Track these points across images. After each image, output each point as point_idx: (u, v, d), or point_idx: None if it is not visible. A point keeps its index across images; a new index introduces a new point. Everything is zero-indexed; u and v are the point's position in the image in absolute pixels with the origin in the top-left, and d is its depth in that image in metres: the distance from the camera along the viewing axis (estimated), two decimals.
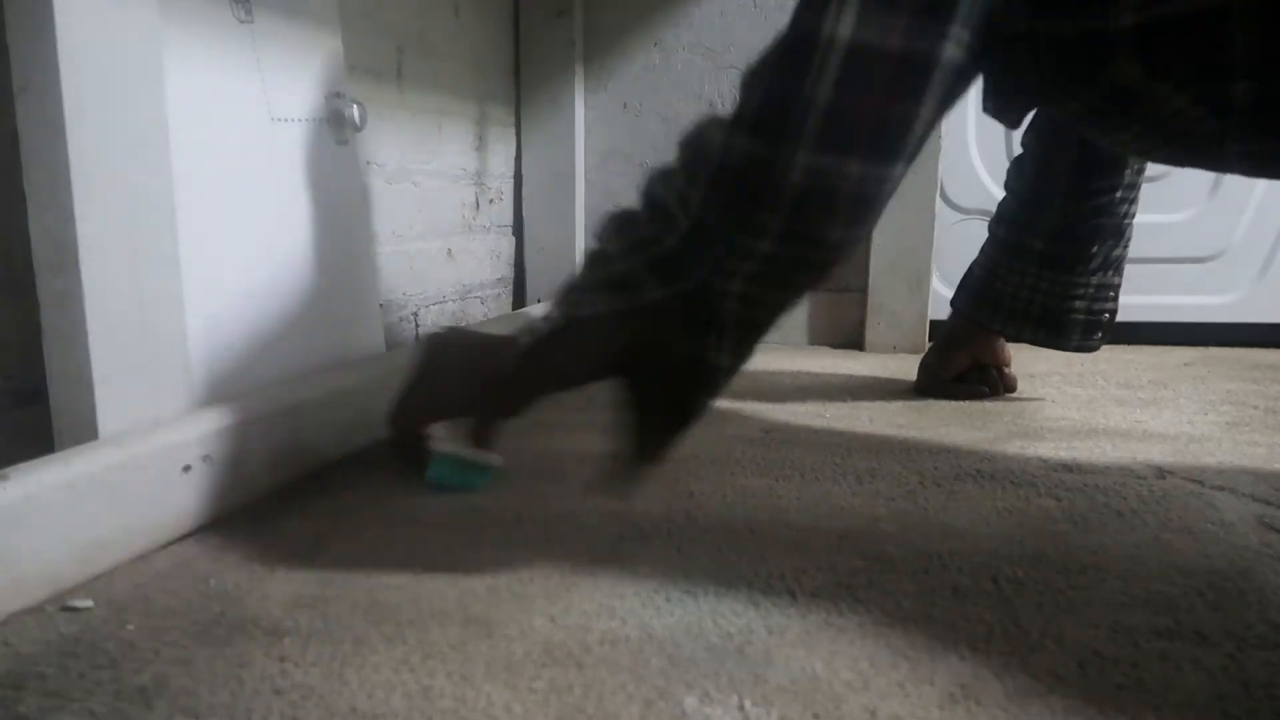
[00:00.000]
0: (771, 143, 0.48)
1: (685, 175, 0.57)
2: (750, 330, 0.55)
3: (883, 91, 0.46)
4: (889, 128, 0.47)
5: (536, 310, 1.24)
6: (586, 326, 0.59)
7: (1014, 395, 1.03)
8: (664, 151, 1.42)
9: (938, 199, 1.32)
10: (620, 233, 0.61)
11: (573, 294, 0.59)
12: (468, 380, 0.63)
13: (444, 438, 0.68)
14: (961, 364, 1.04)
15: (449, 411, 0.65)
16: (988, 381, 1.03)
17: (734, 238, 0.51)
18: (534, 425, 0.88)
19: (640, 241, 0.58)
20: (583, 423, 0.89)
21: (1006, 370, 1.05)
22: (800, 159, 0.47)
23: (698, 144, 0.57)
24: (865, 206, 0.49)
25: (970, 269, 1.05)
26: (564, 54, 1.40)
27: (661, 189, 0.59)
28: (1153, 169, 1.34)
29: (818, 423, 0.90)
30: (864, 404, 0.99)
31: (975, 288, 1.03)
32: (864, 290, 1.36)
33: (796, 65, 0.47)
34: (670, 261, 0.56)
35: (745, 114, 0.51)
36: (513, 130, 1.42)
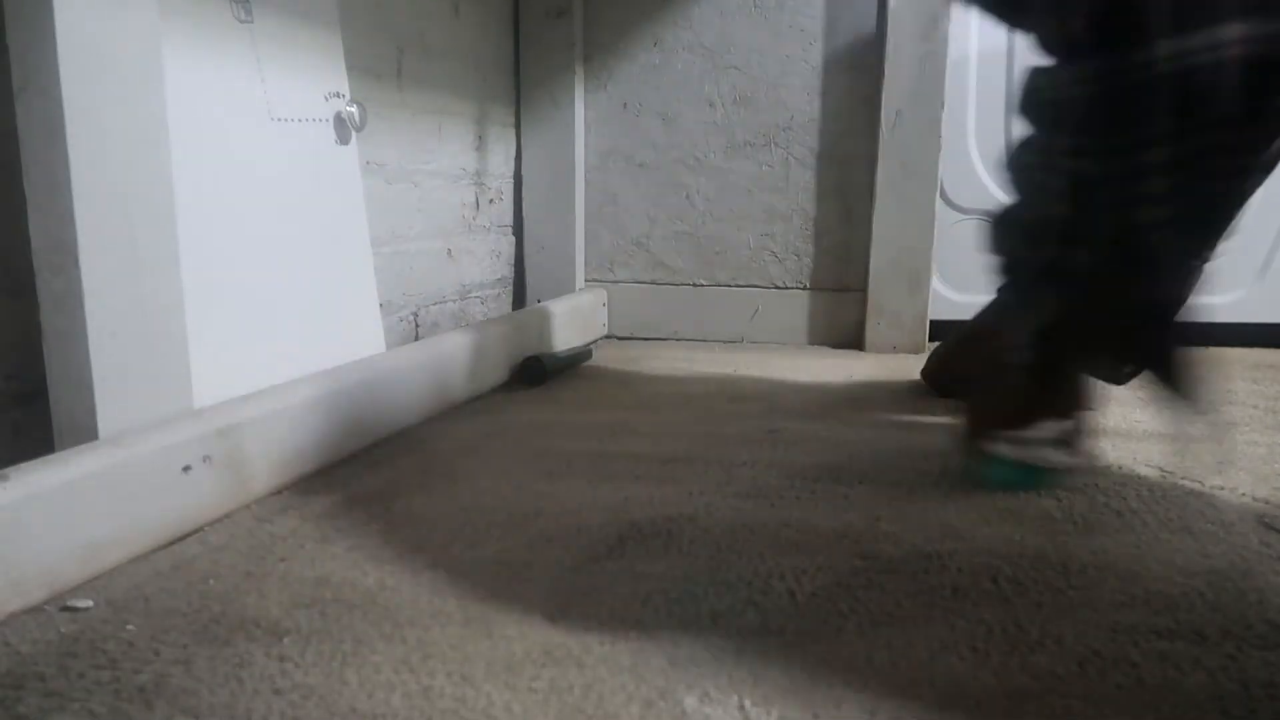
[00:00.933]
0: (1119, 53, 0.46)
1: (1045, 132, 0.56)
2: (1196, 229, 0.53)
3: None
4: None
5: (536, 311, 1.24)
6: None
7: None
8: (664, 151, 1.42)
9: (938, 199, 1.32)
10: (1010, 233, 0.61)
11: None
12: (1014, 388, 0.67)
13: (1010, 439, 0.68)
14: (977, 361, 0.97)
15: (1009, 420, 0.67)
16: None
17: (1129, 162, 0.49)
18: (536, 425, 0.88)
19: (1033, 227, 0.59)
20: (583, 422, 0.89)
21: None
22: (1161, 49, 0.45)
23: (1034, 99, 0.55)
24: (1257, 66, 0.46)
25: None
26: (564, 54, 1.40)
27: (1024, 158, 0.58)
28: None
29: (817, 423, 0.90)
30: (864, 404, 0.99)
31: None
32: (864, 290, 1.36)
33: None
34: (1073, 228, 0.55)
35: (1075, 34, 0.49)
36: (513, 130, 1.42)
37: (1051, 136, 0.56)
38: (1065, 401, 0.67)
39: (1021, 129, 0.60)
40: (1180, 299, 0.58)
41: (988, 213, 0.66)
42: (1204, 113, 0.47)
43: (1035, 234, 0.59)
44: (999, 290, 0.65)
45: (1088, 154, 0.52)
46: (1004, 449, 0.68)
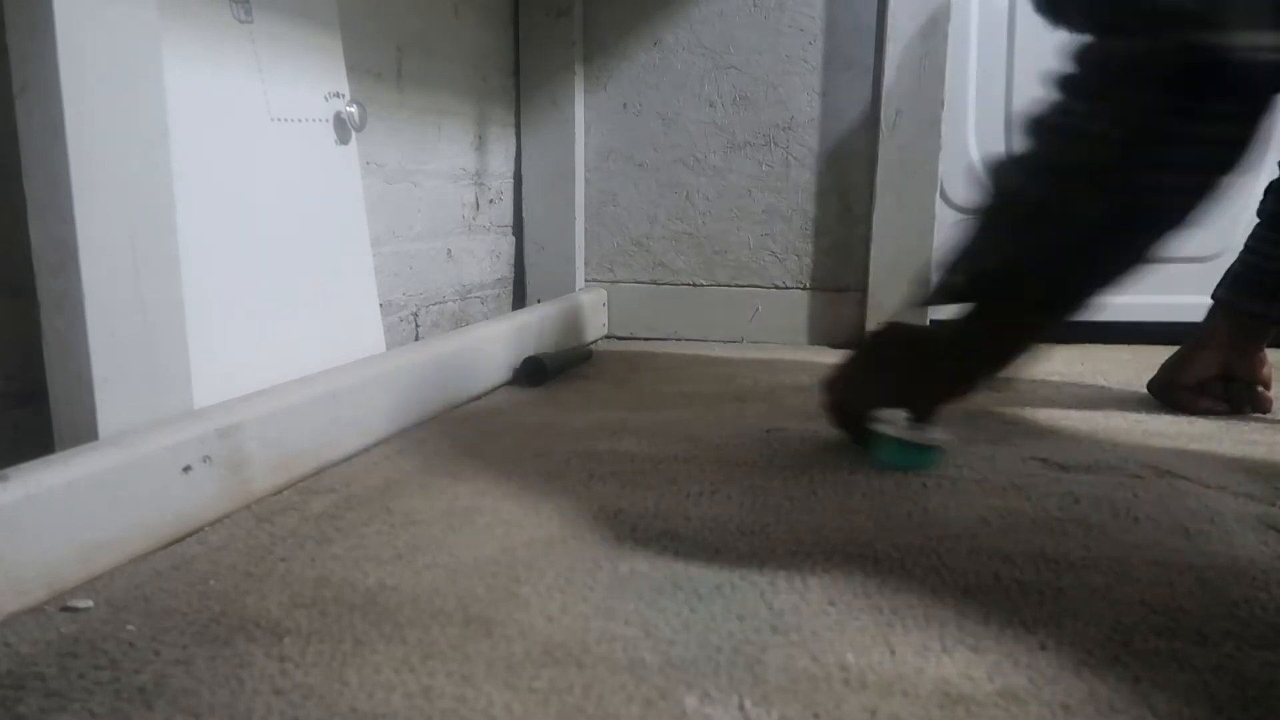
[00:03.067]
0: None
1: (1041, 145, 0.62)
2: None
3: None
4: None
5: (537, 311, 1.24)
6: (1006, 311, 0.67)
7: (1004, 397, 1.02)
8: (664, 151, 1.43)
9: (938, 199, 1.32)
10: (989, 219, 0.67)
11: (969, 276, 0.67)
12: (904, 370, 0.74)
13: (887, 420, 0.74)
14: (1205, 370, 0.90)
15: (889, 400, 0.74)
16: (1230, 397, 0.90)
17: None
18: (537, 425, 0.88)
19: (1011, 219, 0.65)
20: (583, 422, 0.89)
21: (1262, 390, 0.90)
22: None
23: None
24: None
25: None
26: (564, 54, 1.40)
27: (1058, 115, 0.62)
28: None
29: (818, 422, 0.90)
30: None
31: (1234, 269, 0.91)
32: (864, 290, 1.36)
33: None
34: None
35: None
36: (513, 130, 1.42)
37: (1093, 101, 0.59)
38: (970, 376, 0.73)
39: (1054, 95, 0.63)
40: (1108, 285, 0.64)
41: (996, 156, 0.69)
42: (1241, 100, 0.52)
43: (1049, 173, 0.62)
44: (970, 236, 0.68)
45: (1131, 115, 0.56)
46: (893, 428, 0.73)
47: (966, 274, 0.67)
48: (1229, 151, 0.55)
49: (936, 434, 0.74)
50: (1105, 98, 0.57)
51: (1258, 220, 0.96)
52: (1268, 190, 0.95)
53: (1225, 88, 0.52)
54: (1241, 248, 0.97)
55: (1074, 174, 0.60)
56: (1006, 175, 0.66)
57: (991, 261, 0.66)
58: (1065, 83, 0.61)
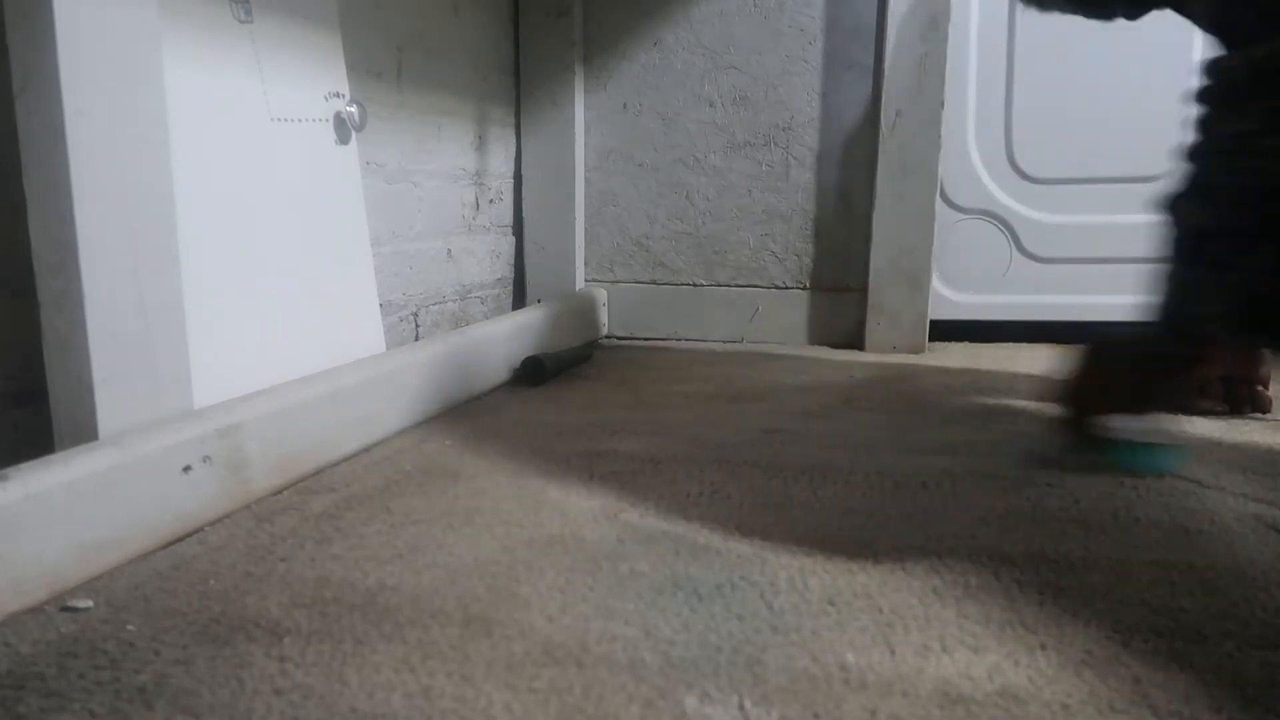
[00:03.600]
0: None
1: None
2: None
3: None
4: None
5: (536, 311, 1.24)
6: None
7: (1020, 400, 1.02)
8: (664, 151, 1.43)
9: (938, 199, 1.32)
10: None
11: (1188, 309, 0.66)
12: (1136, 375, 0.73)
13: (1123, 425, 0.73)
14: (1205, 371, 0.89)
15: (1124, 406, 0.73)
16: (1230, 397, 0.92)
17: None
18: (537, 425, 0.88)
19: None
20: (583, 422, 0.89)
21: (1261, 390, 0.91)
22: None
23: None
24: None
25: None
26: (564, 54, 1.40)
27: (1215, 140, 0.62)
28: (1152, 168, 1.34)
29: (818, 422, 0.90)
30: (864, 404, 0.99)
31: None
32: (864, 290, 1.36)
33: None
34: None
35: None
36: (513, 130, 1.42)
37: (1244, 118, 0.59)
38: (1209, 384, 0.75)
39: (1200, 113, 0.63)
40: None
41: (1164, 195, 0.67)
42: None
43: (1242, 201, 0.61)
44: (1170, 276, 0.67)
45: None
46: (1131, 431, 0.73)
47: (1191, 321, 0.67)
48: None
49: (1175, 437, 0.74)
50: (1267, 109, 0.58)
51: None
52: None
53: None
54: None
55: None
56: (1197, 212, 0.65)
57: (1214, 304, 0.64)
58: (1216, 97, 0.61)
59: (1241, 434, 0.85)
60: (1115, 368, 0.76)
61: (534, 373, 1.09)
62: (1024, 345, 1.38)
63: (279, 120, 0.80)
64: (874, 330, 1.36)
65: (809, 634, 0.46)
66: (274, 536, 0.59)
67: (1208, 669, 0.43)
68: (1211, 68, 0.62)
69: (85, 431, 0.57)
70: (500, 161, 1.38)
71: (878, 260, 1.34)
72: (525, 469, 0.74)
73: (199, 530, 0.60)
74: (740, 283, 1.43)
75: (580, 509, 0.65)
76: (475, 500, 0.66)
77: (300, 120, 0.83)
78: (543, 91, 1.41)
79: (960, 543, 0.58)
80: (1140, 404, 0.74)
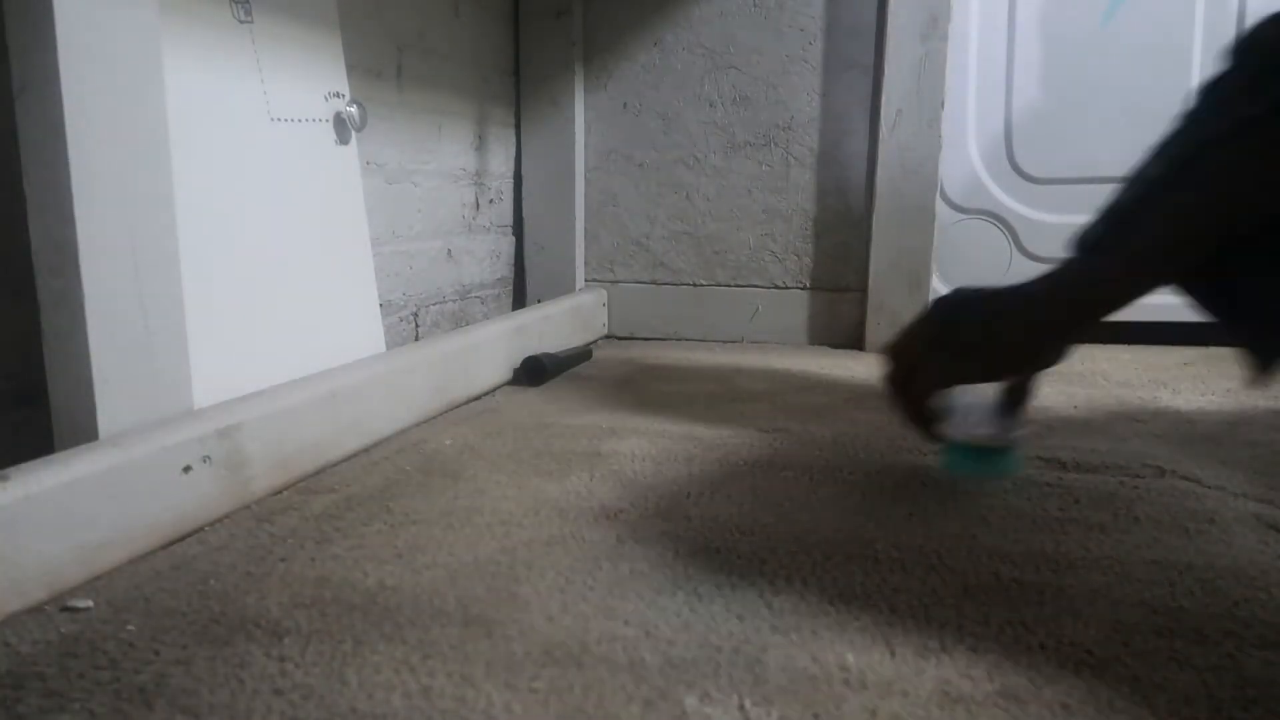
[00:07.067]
0: None
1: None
2: None
3: None
4: None
5: (536, 311, 1.24)
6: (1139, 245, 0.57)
7: None
8: (664, 151, 1.43)
9: (938, 199, 1.32)
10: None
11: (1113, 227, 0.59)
12: (989, 338, 0.61)
13: (958, 420, 0.63)
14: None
15: (971, 376, 0.63)
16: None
17: None
18: (537, 425, 0.88)
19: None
20: (583, 422, 0.89)
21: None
22: None
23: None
24: None
25: None
26: (564, 54, 1.40)
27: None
28: None
29: (818, 422, 0.90)
30: (864, 404, 0.99)
31: None
32: (864, 290, 1.36)
33: None
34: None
35: None
36: (513, 130, 1.42)
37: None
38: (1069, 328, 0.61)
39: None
40: None
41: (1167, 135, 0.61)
42: None
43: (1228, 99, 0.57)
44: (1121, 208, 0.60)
45: None
46: (964, 424, 0.63)
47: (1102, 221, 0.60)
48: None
49: (1015, 428, 0.63)
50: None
51: None
52: None
53: None
54: None
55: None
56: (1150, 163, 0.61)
57: (1124, 201, 0.59)
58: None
59: (1242, 434, 0.85)
60: (952, 324, 0.64)
61: (534, 373, 1.09)
62: None
63: (279, 120, 0.80)
64: (874, 330, 1.36)
65: (809, 634, 0.46)
66: (274, 536, 0.59)
67: (1208, 669, 0.43)
68: None
69: (85, 431, 0.57)
70: (500, 161, 1.38)
71: (878, 260, 1.34)
72: (525, 469, 0.74)
73: (199, 530, 0.60)
74: (740, 283, 1.43)
75: (580, 509, 0.65)
76: (475, 500, 0.66)
77: (300, 120, 0.83)
78: (543, 91, 1.41)
79: (960, 543, 0.58)
80: (992, 371, 0.62)
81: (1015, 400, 0.68)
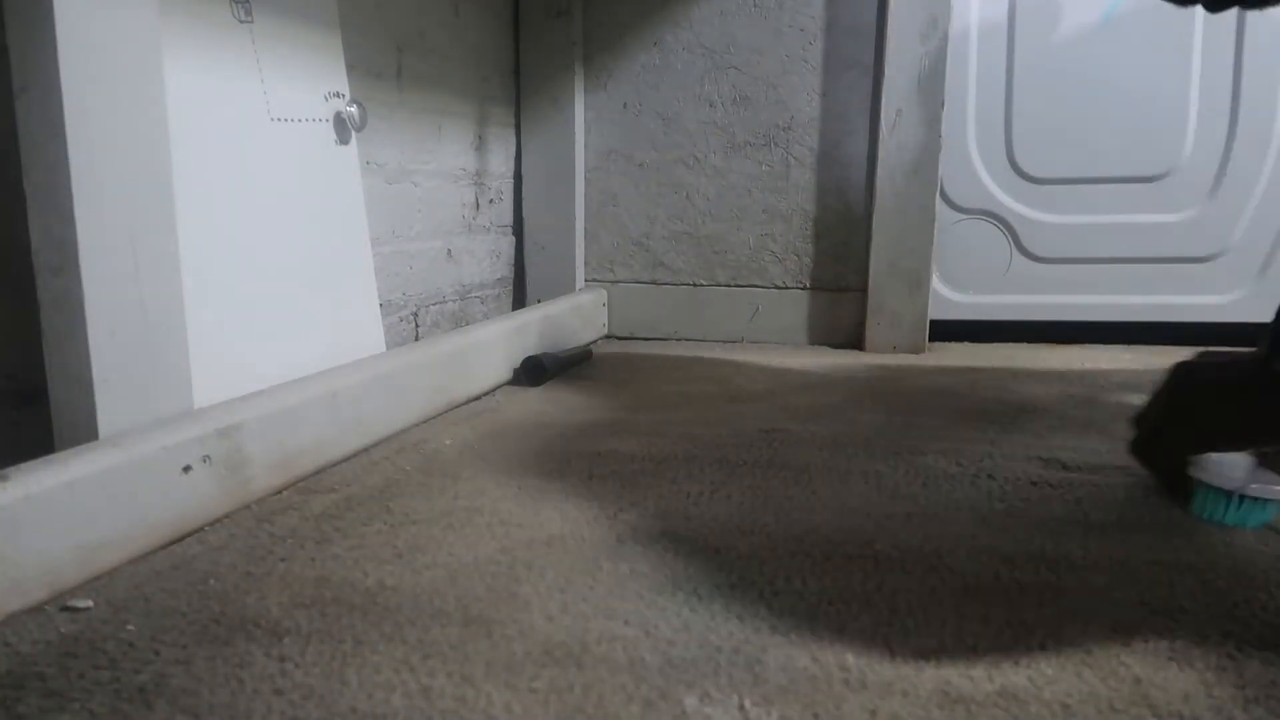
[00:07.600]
0: None
1: None
2: None
3: None
4: None
5: (537, 311, 1.24)
6: None
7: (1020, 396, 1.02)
8: (664, 151, 1.43)
9: (938, 199, 1.32)
10: None
11: None
12: (1230, 407, 0.64)
13: (1214, 469, 0.63)
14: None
15: (1215, 443, 0.64)
16: None
17: None
18: (537, 425, 0.88)
19: None
20: (583, 422, 0.89)
21: None
22: None
23: None
24: None
25: None
26: (564, 54, 1.40)
27: None
28: (1152, 168, 1.34)
29: (818, 422, 0.90)
30: (864, 404, 0.99)
31: None
32: (864, 290, 1.36)
33: None
34: None
35: None
36: (513, 130, 1.42)
37: None
38: None
39: None
40: None
41: None
42: None
43: None
44: None
45: None
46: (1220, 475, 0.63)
47: None
48: None
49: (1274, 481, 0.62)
50: None
51: None
52: None
53: None
54: None
55: None
56: None
57: None
58: None
59: None
60: (1212, 396, 0.66)
61: (534, 373, 1.09)
62: (1024, 345, 1.38)
63: (279, 120, 0.80)
64: (874, 330, 1.36)
65: (809, 634, 0.46)
66: (274, 536, 0.59)
67: (1208, 669, 0.43)
68: None
69: (85, 431, 0.57)
70: (500, 161, 1.38)
71: (878, 260, 1.34)
72: (525, 469, 0.74)
73: (199, 530, 0.60)
74: (740, 283, 1.43)
75: (580, 509, 0.65)
76: (475, 500, 0.66)
77: (300, 120, 0.83)
78: (543, 91, 1.41)
79: (960, 543, 0.58)
80: (1236, 440, 0.64)
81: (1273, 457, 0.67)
